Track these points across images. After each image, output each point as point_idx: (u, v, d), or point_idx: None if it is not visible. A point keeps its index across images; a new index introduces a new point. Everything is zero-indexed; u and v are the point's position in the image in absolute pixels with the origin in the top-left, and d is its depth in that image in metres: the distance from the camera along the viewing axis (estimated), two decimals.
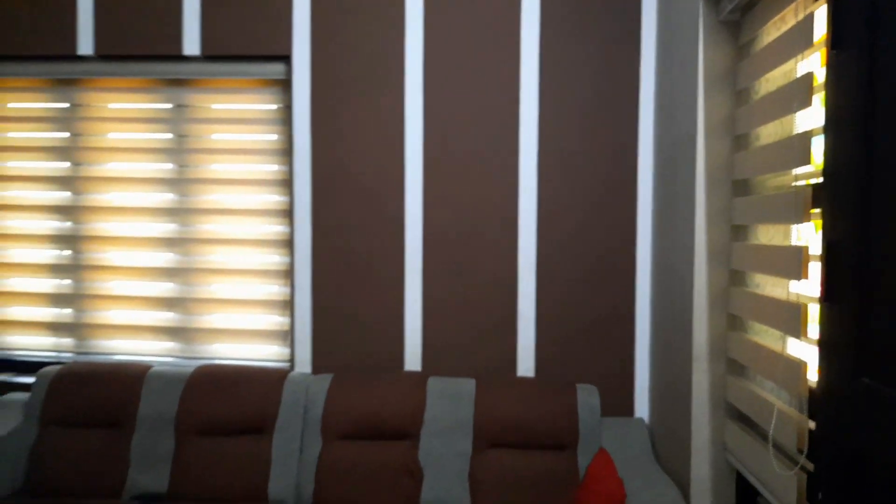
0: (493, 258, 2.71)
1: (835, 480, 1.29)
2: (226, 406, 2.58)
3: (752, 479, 1.69)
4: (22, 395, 2.76)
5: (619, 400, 2.66)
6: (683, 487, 2.03)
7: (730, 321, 1.88)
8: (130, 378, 2.67)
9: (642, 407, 2.64)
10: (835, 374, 1.28)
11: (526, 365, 2.70)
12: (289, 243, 2.87)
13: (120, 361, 2.78)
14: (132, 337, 2.97)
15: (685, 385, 2.00)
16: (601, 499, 1.93)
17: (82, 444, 2.57)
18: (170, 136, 2.92)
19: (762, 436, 1.65)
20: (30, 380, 2.92)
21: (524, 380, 2.58)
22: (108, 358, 2.98)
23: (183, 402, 2.60)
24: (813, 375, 1.43)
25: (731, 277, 1.90)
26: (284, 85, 2.86)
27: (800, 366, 1.42)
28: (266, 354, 2.92)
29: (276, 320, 2.90)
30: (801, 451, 1.44)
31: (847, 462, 1.22)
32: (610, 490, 1.92)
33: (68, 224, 2.97)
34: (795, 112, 1.49)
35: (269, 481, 2.49)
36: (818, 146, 1.42)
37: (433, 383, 2.61)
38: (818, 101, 1.44)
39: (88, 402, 2.63)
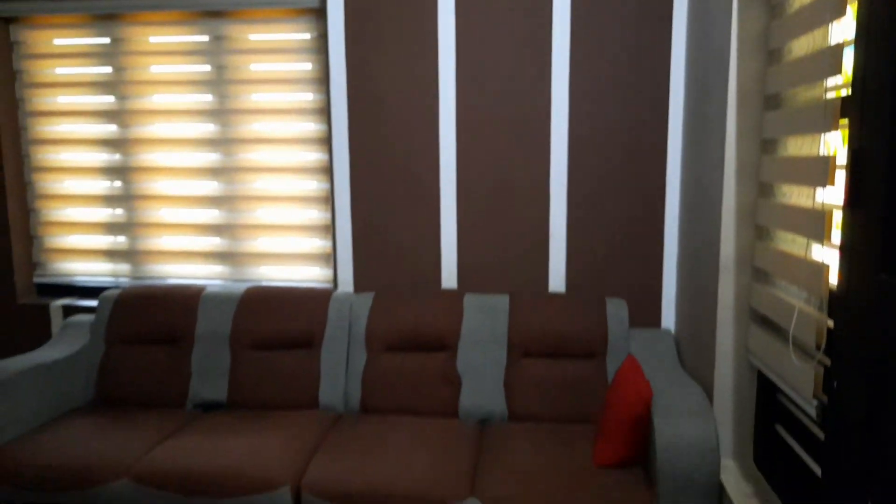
0: (526, 180, 2.80)
1: (849, 371, 1.41)
2: (276, 323, 2.78)
3: (772, 376, 1.82)
4: (86, 317, 2.98)
5: (646, 312, 2.79)
6: (707, 388, 2.18)
7: (756, 232, 1.98)
8: (186, 299, 2.87)
9: (669, 319, 2.77)
10: (855, 273, 1.38)
11: (557, 282, 2.83)
12: (328, 170, 2.98)
13: (175, 284, 2.97)
14: (183, 262, 3.16)
15: (712, 294, 2.11)
16: (630, 398, 2.09)
17: (146, 359, 2.80)
18: (209, 67, 3.00)
19: (783, 337, 1.77)
20: (91, 303, 3.14)
21: (556, 295, 2.72)
22: (163, 282, 3.18)
23: (236, 320, 2.80)
24: (834, 278, 1.53)
25: (760, 190, 1.98)
26: (319, 14, 2.90)
27: (822, 268, 1.52)
28: (310, 276, 3.10)
29: (319, 244, 3.06)
30: (818, 348, 1.56)
31: (862, 354, 1.34)
32: (638, 389, 2.07)
33: (117, 156, 3.12)
34: (829, 23, 1.53)
35: (319, 390, 2.70)
36: (849, 57, 1.47)
37: (469, 299, 2.76)
38: (851, 11, 1.48)
39: (150, 321, 2.84)
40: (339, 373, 2.74)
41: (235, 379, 2.74)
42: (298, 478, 2.17)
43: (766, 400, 1.99)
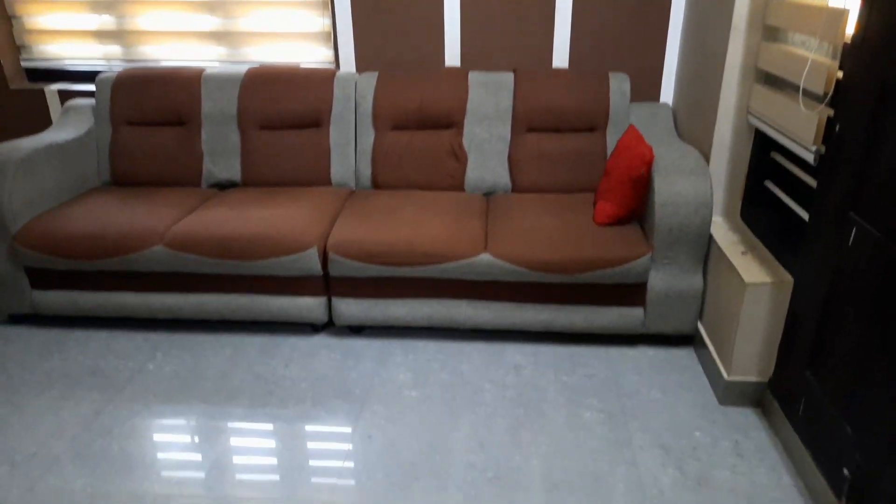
0: None
1: (852, 116, 1.53)
2: (282, 103, 2.79)
3: (771, 132, 1.95)
4: (86, 101, 2.94)
5: (647, 87, 2.85)
6: (704, 151, 2.33)
7: None
8: (187, 80, 2.84)
9: (668, 94, 2.84)
10: (874, 19, 1.44)
11: (561, 58, 2.84)
12: None
13: (173, 66, 2.91)
14: (176, 41, 3.05)
15: (720, 56, 2.17)
16: (632, 161, 2.23)
17: (156, 140, 2.83)
18: None
19: (789, 93, 1.87)
20: (87, 87, 3.09)
21: (560, 70, 2.75)
22: (157, 64, 3.10)
23: (241, 100, 2.81)
24: (850, 29, 1.58)
25: None
26: None
27: (842, 14, 1.57)
28: (310, 57, 3.04)
29: (318, 21, 2.96)
30: (825, 96, 1.67)
31: (867, 100, 1.45)
32: (641, 152, 2.20)
33: None
34: None
35: (330, 168, 2.80)
36: None
37: (474, 76, 2.78)
38: None
39: (153, 102, 2.83)
40: (349, 151, 2.82)
41: (247, 159, 2.82)
42: (324, 240, 2.35)
43: (759, 159, 2.15)
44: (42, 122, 3.15)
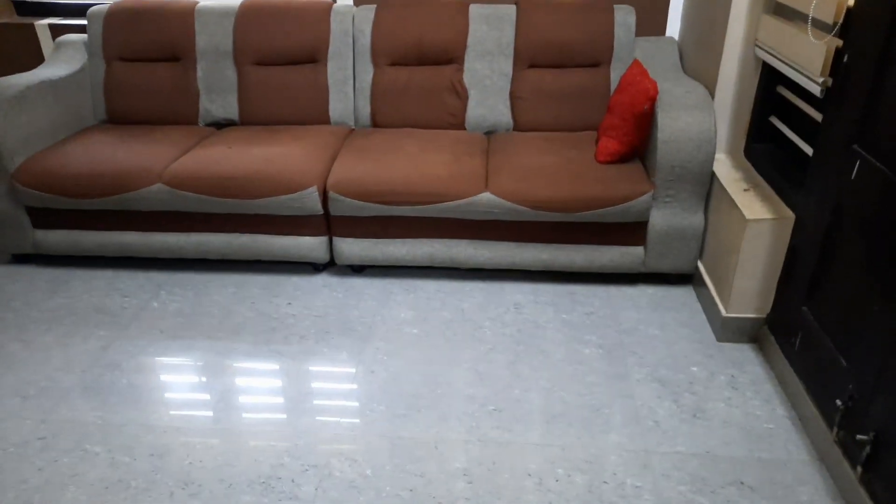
0: None
1: (861, 46, 1.49)
2: (278, 38, 2.72)
3: (778, 65, 1.91)
4: (78, 37, 2.87)
5: (652, 21, 2.77)
6: (709, 86, 2.28)
7: None
8: (180, 13, 2.76)
9: (673, 28, 2.77)
10: None
11: None
12: None
13: None
14: None
15: None
16: (637, 96, 2.18)
17: (151, 77, 2.78)
18: None
19: (798, 24, 1.81)
20: (79, 22, 3.00)
21: (563, 3, 2.67)
22: None
23: (237, 35, 2.73)
24: None
25: None
26: None
27: None
28: None
29: None
30: (835, 26, 1.62)
31: (876, 31, 1.41)
32: (645, 87, 2.16)
33: None
34: None
35: (329, 106, 2.76)
36: None
37: (475, 9, 2.70)
38: None
39: (146, 37, 2.76)
40: (347, 88, 2.77)
41: (245, 96, 2.77)
42: (323, 179, 2.33)
43: (766, 94, 2.11)
44: (34, 58, 3.08)
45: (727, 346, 2.06)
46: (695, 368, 1.97)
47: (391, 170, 2.29)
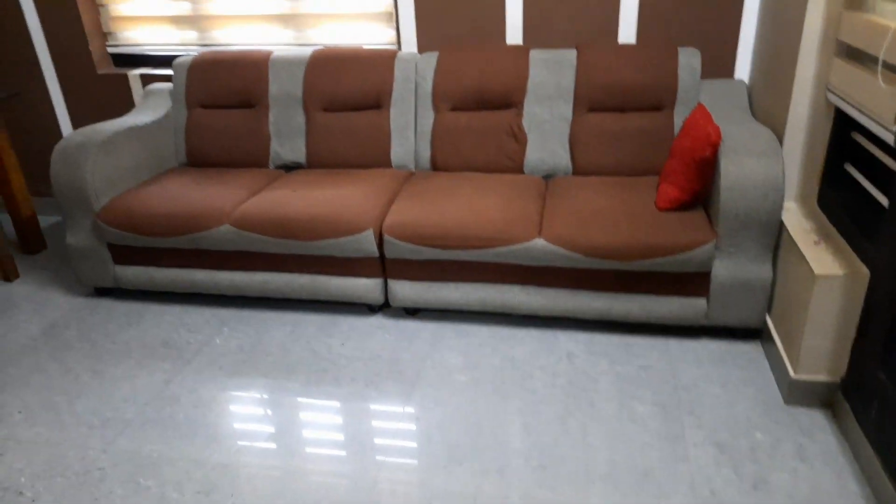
0: None
1: None
2: (344, 84, 2.82)
3: (850, 110, 1.79)
4: (165, 85, 3.09)
5: (720, 63, 2.68)
6: (778, 131, 2.17)
7: None
8: (256, 63, 2.92)
9: (743, 70, 2.66)
10: None
11: (628, 32, 2.71)
12: None
13: (243, 50, 3.00)
14: (247, 24, 3.14)
15: (796, 25, 2.00)
16: (698, 141, 2.11)
17: (227, 122, 2.94)
18: None
19: (871, 68, 1.70)
20: (167, 72, 3.24)
21: (625, 46, 2.63)
22: (230, 48, 3.21)
23: (307, 82, 2.86)
24: None
25: None
26: None
27: None
28: (373, 37, 3.06)
29: (381, 1, 2.96)
30: None
31: None
32: (707, 132, 2.08)
33: None
34: None
35: (391, 150, 2.82)
36: None
37: (535, 54, 2.70)
38: None
39: (224, 85, 2.94)
40: (409, 133, 2.82)
41: (312, 140, 2.88)
42: (380, 222, 2.37)
43: (839, 139, 1.98)
44: (126, 104, 3.33)
45: (796, 410, 1.92)
46: (758, 434, 1.84)
47: (445, 214, 2.31)
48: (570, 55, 2.67)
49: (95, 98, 3.35)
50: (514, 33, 2.82)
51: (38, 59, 3.30)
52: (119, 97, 3.32)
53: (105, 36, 3.32)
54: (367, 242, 2.35)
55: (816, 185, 2.09)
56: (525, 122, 2.69)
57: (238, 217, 2.44)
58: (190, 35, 3.23)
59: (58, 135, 3.48)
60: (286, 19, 3.10)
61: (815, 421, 1.87)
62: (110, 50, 3.34)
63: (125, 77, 3.27)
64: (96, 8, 3.26)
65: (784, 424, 1.86)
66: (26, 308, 2.70)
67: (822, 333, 1.82)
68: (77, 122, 3.43)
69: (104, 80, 3.30)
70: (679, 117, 2.54)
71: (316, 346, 2.35)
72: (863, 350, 1.72)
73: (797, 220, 2.06)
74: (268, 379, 2.19)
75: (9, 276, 2.92)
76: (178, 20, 3.20)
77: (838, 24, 1.89)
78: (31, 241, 3.17)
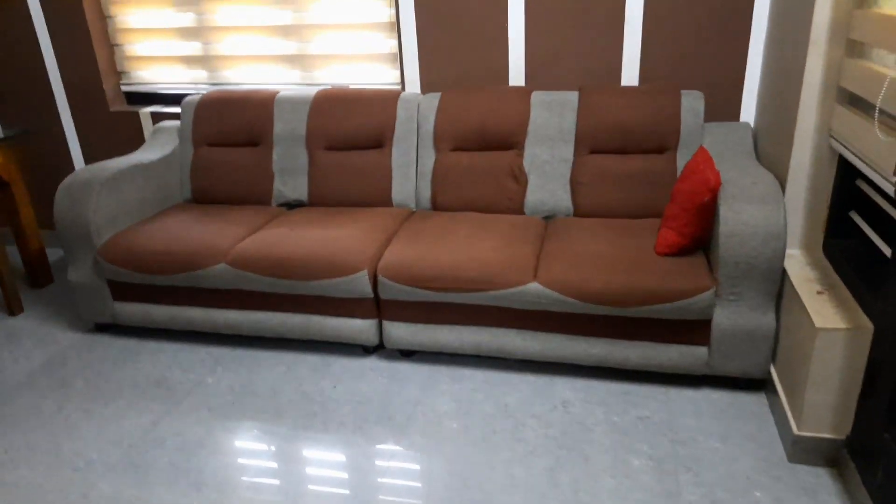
0: None
1: None
2: (347, 124, 2.84)
3: (852, 158, 1.74)
4: (173, 123, 3.14)
5: (725, 105, 2.64)
6: (782, 177, 2.11)
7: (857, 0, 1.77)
8: (262, 102, 2.95)
9: (749, 112, 2.62)
10: None
11: (630, 73, 2.69)
12: None
13: (250, 89, 3.04)
14: (255, 64, 3.19)
15: (797, 71, 1.96)
16: (697, 186, 2.06)
17: (231, 160, 2.97)
18: None
19: (872, 115, 1.65)
20: (176, 109, 3.29)
21: (627, 88, 2.60)
22: (238, 87, 3.26)
23: (310, 121, 2.88)
24: None
25: None
26: None
27: None
28: (377, 78, 3.08)
29: (386, 43, 2.99)
30: None
31: None
32: (705, 177, 2.03)
33: None
34: None
35: (391, 189, 2.81)
36: None
37: (537, 96, 2.69)
38: None
39: (231, 124, 2.97)
40: (410, 172, 2.82)
41: (314, 179, 2.89)
42: (375, 262, 2.35)
43: (844, 187, 1.92)
44: (137, 141, 3.39)
45: (800, 468, 1.82)
46: (758, 493, 1.74)
47: (440, 255, 2.28)
48: (572, 97, 2.65)
49: (108, 134, 3.42)
50: (516, 75, 2.82)
51: (54, 96, 3.38)
52: (131, 134, 3.38)
53: (119, 75, 3.40)
54: (361, 283, 2.32)
55: (821, 233, 2.02)
56: (526, 163, 2.67)
57: (234, 256, 2.43)
58: (201, 74, 3.29)
59: (71, 170, 3.54)
60: (293, 60, 3.14)
61: (819, 480, 1.77)
62: (124, 88, 3.41)
63: (137, 115, 3.33)
64: (111, 47, 3.34)
65: (786, 483, 1.77)
66: (27, 343, 2.71)
67: (826, 388, 1.74)
68: (89, 158, 3.49)
69: (117, 117, 3.37)
70: (682, 160, 2.50)
71: (307, 389, 2.31)
72: (868, 408, 1.63)
73: (801, 269, 1.99)
74: (255, 422, 2.15)
75: (14, 310, 2.95)
76: (189, 60, 3.27)
77: (839, 70, 1.85)
78: (38, 274, 3.21)
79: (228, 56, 3.21)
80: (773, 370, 2.07)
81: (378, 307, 2.40)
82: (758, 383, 2.17)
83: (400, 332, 2.38)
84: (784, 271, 2.00)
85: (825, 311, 1.74)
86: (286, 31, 3.08)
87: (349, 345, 2.56)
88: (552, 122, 2.64)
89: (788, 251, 2.10)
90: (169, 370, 2.47)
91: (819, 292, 1.84)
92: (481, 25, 2.77)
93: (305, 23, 3.04)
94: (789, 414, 1.87)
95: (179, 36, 3.22)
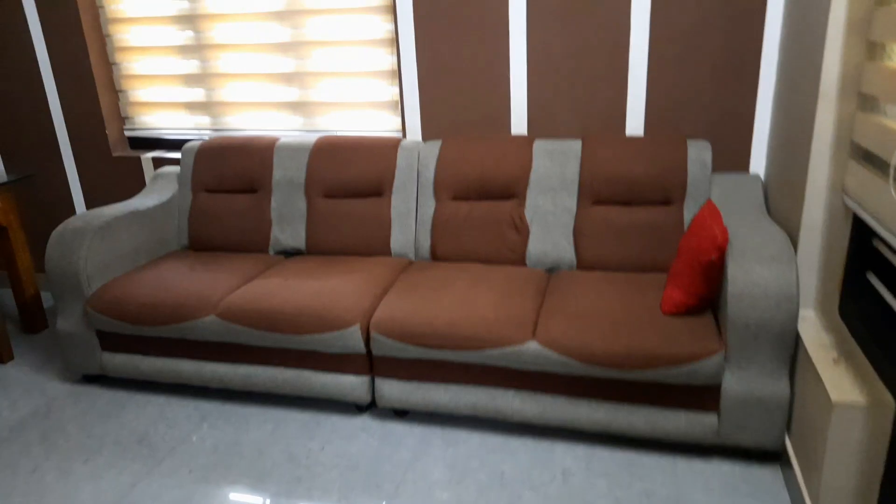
0: (602, 9, 2.51)
1: None
2: (347, 172, 2.78)
3: (866, 217, 1.63)
4: (173, 168, 3.11)
5: (734, 156, 2.55)
6: (794, 234, 2.00)
7: (868, 51, 1.68)
8: (262, 149, 2.91)
9: (759, 163, 2.52)
10: None
11: (635, 123, 2.62)
12: (391, 9, 2.81)
13: (251, 136, 3.01)
14: (257, 110, 3.17)
15: (807, 125, 1.87)
16: (704, 243, 1.95)
17: (229, 206, 2.92)
18: None
19: (886, 172, 1.55)
20: (178, 155, 3.27)
21: (631, 138, 2.52)
22: (240, 133, 3.23)
23: (309, 168, 2.83)
24: None
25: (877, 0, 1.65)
26: None
27: None
28: (378, 125, 3.04)
29: (386, 90, 2.96)
30: None
31: None
32: (712, 234, 1.93)
33: (186, 2, 3.07)
34: None
35: (390, 238, 2.74)
36: None
37: (539, 145, 2.62)
38: None
39: (230, 170, 2.93)
40: (409, 221, 2.74)
41: (312, 226, 2.82)
42: (368, 317, 2.26)
43: (860, 246, 1.80)
44: (138, 185, 3.37)
45: None
46: None
47: (436, 310, 2.18)
48: (575, 146, 2.58)
49: (109, 179, 3.40)
50: (518, 123, 2.76)
51: (58, 141, 3.39)
52: (132, 179, 3.36)
53: (123, 120, 3.40)
54: (353, 339, 2.23)
55: (837, 294, 1.90)
56: (528, 213, 2.58)
57: (224, 308, 2.35)
58: (204, 120, 3.28)
59: (72, 214, 3.52)
60: (295, 107, 3.11)
61: None
62: (127, 133, 3.41)
63: (139, 160, 3.31)
64: (115, 93, 3.35)
65: None
66: (12, 393, 2.64)
67: (844, 467, 1.59)
68: (91, 202, 3.48)
69: (119, 161, 3.35)
70: (688, 212, 2.40)
71: (294, 450, 2.20)
72: (892, 492, 1.48)
73: (815, 332, 1.86)
74: (236, 486, 2.04)
75: (3, 357, 2.89)
76: (192, 106, 3.26)
77: (852, 124, 1.75)
78: (32, 319, 3.16)
79: (231, 102, 3.20)
80: (787, 441, 1.93)
81: (371, 363, 2.30)
82: (772, 454, 2.02)
83: (393, 390, 2.27)
84: (798, 335, 1.87)
85: (842, 382, 1.61)
86: (289, 78, 3.07)
87: (342, 402, 2.45)
88: (555, 171, 2.56)
89: (802, 312, 1.97)
90: (153, 426, 2.37)
91: (835, 360, 1.71)
92: (483, 73, 2.72)
93: (308, 70, 3.03)
94: (805, 493, 1.73)
95: (183, 82, 3.22)
